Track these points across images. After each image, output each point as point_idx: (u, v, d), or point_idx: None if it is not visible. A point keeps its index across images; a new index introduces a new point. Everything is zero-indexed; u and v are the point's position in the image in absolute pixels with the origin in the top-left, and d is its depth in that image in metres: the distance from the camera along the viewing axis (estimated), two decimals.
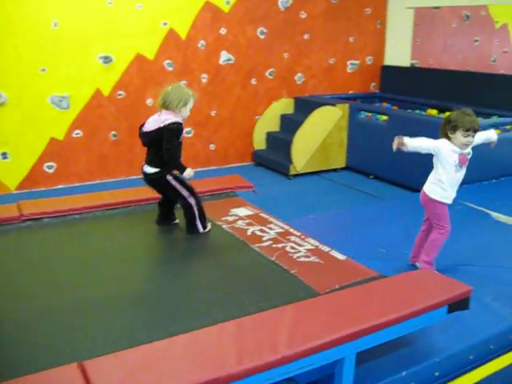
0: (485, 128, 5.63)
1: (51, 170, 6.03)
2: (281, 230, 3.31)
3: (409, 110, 7.21)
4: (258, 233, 3.27)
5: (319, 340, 2.03)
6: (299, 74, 7.37)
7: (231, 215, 3.59)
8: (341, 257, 2.92)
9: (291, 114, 7.22)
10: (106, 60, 6.02)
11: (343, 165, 6.91)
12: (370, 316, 2.21)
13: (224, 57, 6.71)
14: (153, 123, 3.22)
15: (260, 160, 7.08)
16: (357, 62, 7.84)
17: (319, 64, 7.50)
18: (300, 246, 3.06)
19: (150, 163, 3.28)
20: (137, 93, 6.27)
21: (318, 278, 2.67)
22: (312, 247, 3.05)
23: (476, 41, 8.87)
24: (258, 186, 6.30)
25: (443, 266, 3.48)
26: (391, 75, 7.88)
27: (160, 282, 2.73)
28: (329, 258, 2.92)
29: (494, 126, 5.82)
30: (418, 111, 7.16)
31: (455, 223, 4.33)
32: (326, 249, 3.03)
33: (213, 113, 6.81)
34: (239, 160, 7.15)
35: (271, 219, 3.51)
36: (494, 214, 4.55)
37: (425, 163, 5.87)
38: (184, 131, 3.25)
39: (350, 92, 7.88)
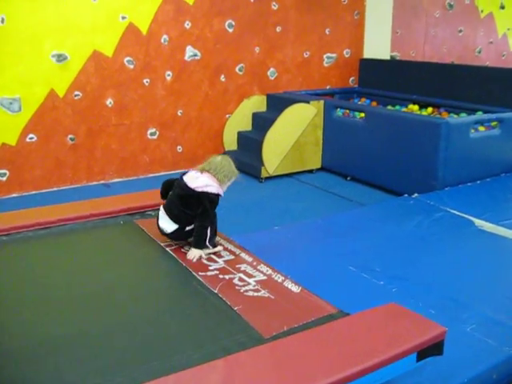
0: (468, 125, 5.27)
1: (4, 178, 5.56)
2: (231, 258, 2.87)
3: (389, 106, 6.81)
4: (205, 261, 2.82)
5: None
6: (272, 69, 6.93)
7: None
8: (295, 288, 2.50)
9: (264, 112, 6.79)
10: (60, 58, 5.55)
11: (319, 165, 6.49)
12: (320, 373, 1.80)
13: (190, 52, 6.26)
14: (192, 180, 2.92)
15: None
16: (334, 55, 7.40)
17: (293, 58, 7.05)
18: (250, 276, 2.63)
19: (173, 218, 2.91)
20: (95, 93, 5.81)
21: (265, 317, 2.25)
22: (263, 278, 2.62)
23: (460, 31, 8.48)
24: (227, 191, 5.89)
25: (417, 287, 3.08)
26: (370, 69, 7.44)
27: (71, 323, 2.25)
28: (281, 290, 2.49)
29: (479, 122, 5.43)
30: (398, 107, 6.75)
31: (436, 234, 3.93)
32: (279, 278, 2.61)
33: (179, 112, 6.37)
34: None
35: (222, 242, 3.08)
36: (478, 222, 4.14)
37: (407, 164, 5.50)
38: None
39: (327, 87, 7.44)
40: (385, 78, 7.21)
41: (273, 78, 6.97)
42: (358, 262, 3.41)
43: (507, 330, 2.68)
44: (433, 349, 2.02)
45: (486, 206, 4.51)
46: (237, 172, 3.02)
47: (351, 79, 7.69)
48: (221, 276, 2.64)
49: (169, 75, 6.19)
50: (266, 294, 2.46)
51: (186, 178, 2.94)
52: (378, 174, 5.72)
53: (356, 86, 7.65)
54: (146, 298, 2.48)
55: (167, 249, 2.95)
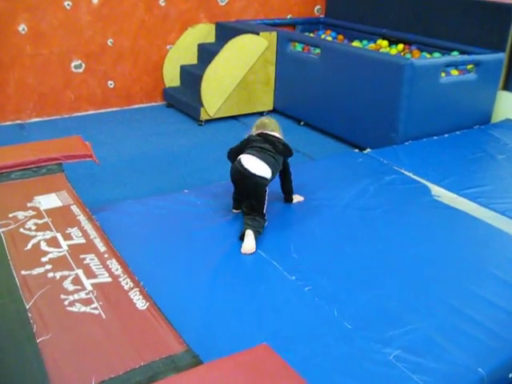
0: (438, 68, 4.43)
1: None
2: (81, 242, 2.12)
3: (355, 41, 5.94)
4: (44, 246, 2.08)
5: None
6: None
7: (29, 208, 2.40)
8: (141, 304, 1.76)
9: (212, 43, 5.88)
10: None
11: (271, 107, 5.65)
12: None
13: None
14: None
15: (172, 100, 5.79)
16: None
17: None
18: (90, 276, 1.89)
19: (266, 161, 2.83)
20: (3, 17, 4.83)
21: (74, 361, 1.51)
22: (107, 280, 1.88)
23: None
24: (159, 134, 5.07)
25: (337, 287, 2.35)
26: None
27: None
28: (121, 304, 1.75)
29: (451, 64, 4.59)
30: (365, 42, 5.88)
31: (380, 207, 3.15)
32: (127, 284, 1.86)
33: (109, 42, 5.45)
34: (147, 100, 5.86)
35: (81, 218, 2.32)
36: (435, 189, 3.40)
37: (365, 112, 4.69)
38: None
39: (288, 17, 6.50)
40: (355, 9, 6.26)
41: (223, 4, 6.01)
42: (270, 245, 2.67)
43: (445, 359, 1.96)
44: None
45: (448, 168, 3.75)
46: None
47: (317, 8, 6.73)
48: (50, 275, 1.90)
49: None
50: (97, 311, 1.72)
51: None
52: (334, 121, 4.92)
53: (322, 16, 6.70)
54: None
55: (1, 230, 2.20)
